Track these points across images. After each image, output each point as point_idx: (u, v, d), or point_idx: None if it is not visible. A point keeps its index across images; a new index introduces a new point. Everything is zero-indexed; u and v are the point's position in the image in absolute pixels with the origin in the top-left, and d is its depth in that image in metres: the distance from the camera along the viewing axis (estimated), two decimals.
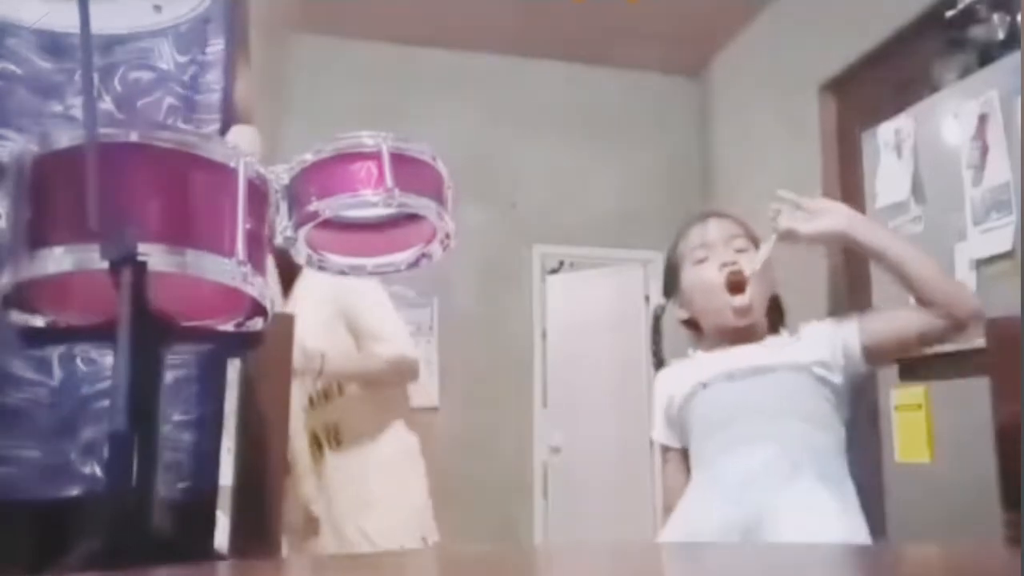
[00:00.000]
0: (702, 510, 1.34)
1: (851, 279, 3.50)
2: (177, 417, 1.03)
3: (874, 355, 1.41)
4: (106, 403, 0.93)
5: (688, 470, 1.45)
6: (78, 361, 0.95)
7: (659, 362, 1.60)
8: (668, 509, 1.44)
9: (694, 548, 1.09)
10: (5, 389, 0.93)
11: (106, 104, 0.98)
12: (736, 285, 1.43)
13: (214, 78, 1.10)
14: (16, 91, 0.97)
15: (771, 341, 1.46)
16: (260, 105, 1.27)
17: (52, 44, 0.98)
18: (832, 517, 1.27)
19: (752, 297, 1.43)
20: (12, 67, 0.97)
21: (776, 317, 1.53)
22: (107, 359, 0.93)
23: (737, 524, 1.27)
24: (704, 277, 1.47)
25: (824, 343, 1.40)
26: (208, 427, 1.08)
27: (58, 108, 0.97)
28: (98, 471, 0.93)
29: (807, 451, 1.32)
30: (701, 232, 1.50)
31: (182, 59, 1.06)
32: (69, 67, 0.98)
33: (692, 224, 1.54)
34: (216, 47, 1.11)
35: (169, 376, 1.00)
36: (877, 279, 2.78)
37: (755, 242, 1.49)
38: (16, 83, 0.97)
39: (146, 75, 1.02)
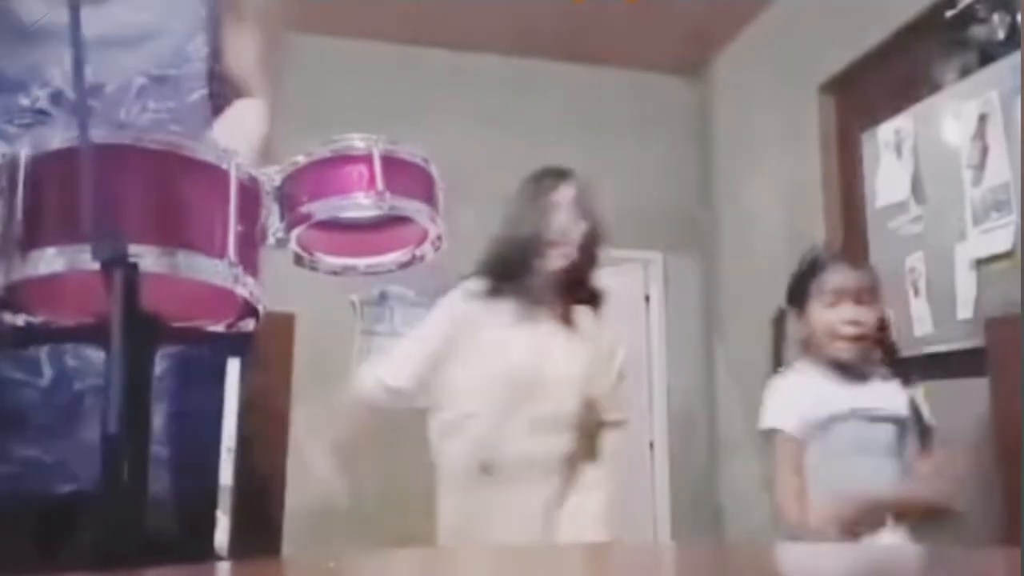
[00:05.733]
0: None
1: None
2: (181, 414, 1.02)
3: None
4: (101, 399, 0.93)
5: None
6: (67, 358, 0.94)
7: (779, 363, 1.90)
8: (793, 493, 1.75)
9: (698, 549, 1.09)
10: None
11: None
12: (854, 340, 1.74)
13: (195, 47, 1.08)
14: None
15: (876, 386, 1.78)
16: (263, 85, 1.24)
17: (14, 38, 0.96)
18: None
19: (863, 348, 1.75)
20: None
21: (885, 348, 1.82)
22: (98, 353, 0.93)
23: None
24: (830, 322, 1.76)
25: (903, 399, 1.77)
26: (211, 424, 1.07)
27: (25, 102, 0.96)
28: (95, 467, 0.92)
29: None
30: (836, 278, 1.78)
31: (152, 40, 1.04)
32: (34, 59, 0.96)
33: (831, 263, 1.82)
34: (199, 14, 1.09)
35: (172, 374, 1.00)
36: (883, 284, 2.78)
37: (879, 296, 1.80)
38: None
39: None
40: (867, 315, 1.75)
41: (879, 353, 1.81)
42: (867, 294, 1.77)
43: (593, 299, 2.07)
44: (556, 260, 1.97)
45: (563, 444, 1.93)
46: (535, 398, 1.91)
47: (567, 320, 2.02)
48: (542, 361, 1.95)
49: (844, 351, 1.75)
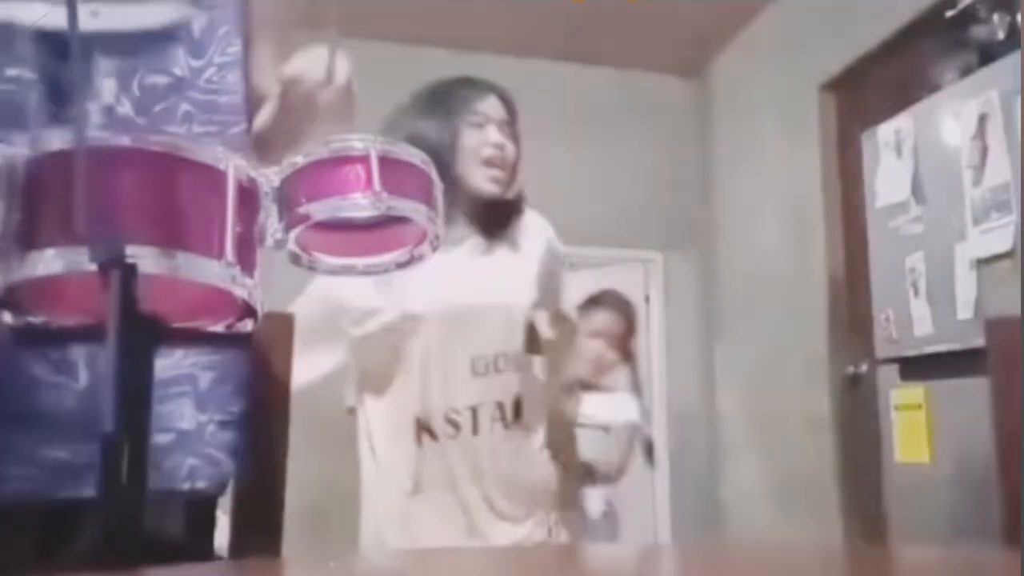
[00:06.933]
0: None
1: (850, 284, 3.50)
2: (218, 417, 1.03)
3: None
4: None
5: None
6: (102, 362, 0.94)
7: None
8: None
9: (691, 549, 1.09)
10: (29, 392, 0.92)
11: (124, 108, 0.98)
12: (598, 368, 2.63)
13: (235, 79, 1.09)
14: (31, 97, 0.96)
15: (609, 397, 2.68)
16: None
17: (65, 48, 0.97)
18: None
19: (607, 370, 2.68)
20: (28, 73, 0.96)
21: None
22: None
23: None
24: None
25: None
26: (241, 424, 1.08)
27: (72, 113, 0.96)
28: None
29: None
30: (598, 318, 2.67)
31: (196, 63, 1.05)
32: (83, 71, 0.96)
33: (600, 305, 2.68)
34: (235, 48, 1.10)
35: (206, 378, 1.01)
36: (877, 284, 2.78)
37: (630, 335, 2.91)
38: (31, 89, 0.96)
39: (163, 80, 1.01)
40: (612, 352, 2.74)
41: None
42: (618, 332, 2.80)
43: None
44: (487, 184, 1.69)
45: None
46: None
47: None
48: None
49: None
